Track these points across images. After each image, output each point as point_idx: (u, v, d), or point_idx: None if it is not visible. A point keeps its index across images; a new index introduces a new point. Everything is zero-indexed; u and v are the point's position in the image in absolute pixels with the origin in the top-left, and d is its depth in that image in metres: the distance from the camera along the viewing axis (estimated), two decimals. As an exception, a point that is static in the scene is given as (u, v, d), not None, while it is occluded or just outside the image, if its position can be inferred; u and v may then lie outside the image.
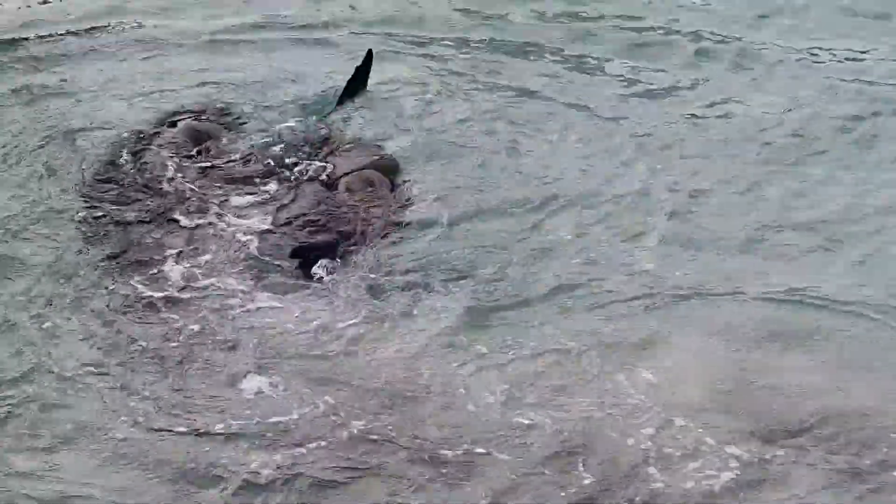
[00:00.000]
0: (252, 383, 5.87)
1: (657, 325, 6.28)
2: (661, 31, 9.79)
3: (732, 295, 6.50)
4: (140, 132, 7.97)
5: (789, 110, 8.54)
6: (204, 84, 8.72)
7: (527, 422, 5.65)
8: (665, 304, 6.44)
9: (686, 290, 6.55)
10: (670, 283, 6.58)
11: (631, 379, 5.88)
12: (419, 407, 5.75)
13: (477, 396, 5.80)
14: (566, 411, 5.70)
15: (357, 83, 8.45)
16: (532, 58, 9.32)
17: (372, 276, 6.63)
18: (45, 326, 6.17)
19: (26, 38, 9.50)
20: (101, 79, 8.87)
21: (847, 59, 9.39)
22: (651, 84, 8.96)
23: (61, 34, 9.58)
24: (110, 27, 9.77)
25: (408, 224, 7.10)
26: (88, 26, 9.75)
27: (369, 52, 8.60)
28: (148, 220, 7.04)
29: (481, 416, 5.70)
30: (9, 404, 5.66)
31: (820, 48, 9.54)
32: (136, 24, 9.80)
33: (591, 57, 9.34)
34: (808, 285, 6.57)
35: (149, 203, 7.18)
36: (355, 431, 5.58)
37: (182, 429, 5.60)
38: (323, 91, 8.61)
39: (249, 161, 7.64)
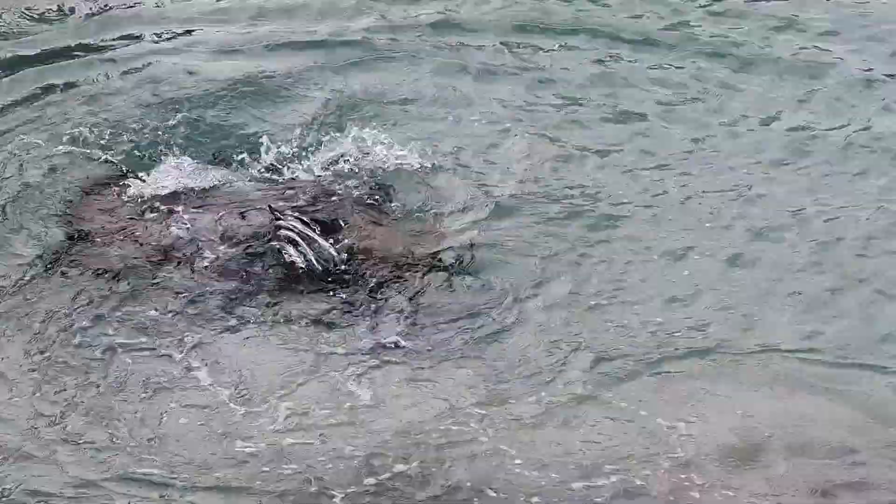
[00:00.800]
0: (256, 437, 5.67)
1: (688, 381, 6.07)
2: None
3: (765, 351, 6.28)
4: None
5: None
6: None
7: (567, 482, 5.48)
8: (694, 359, 6.20)
9: (717, 344, 6.32)
10: (699, 338, 6.35)
11: (669, 438, 5.73)
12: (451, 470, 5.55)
13: (515, 455, 5.60)
14: (609, 474, 5.53)
15: None
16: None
17: (368, 321, 6.41)
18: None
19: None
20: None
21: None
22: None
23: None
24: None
25: (415, 263, 6.81)
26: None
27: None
28: (130, 265, 6.71)
29: (526, 476, 5.51)
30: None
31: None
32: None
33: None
34: (845, 341, 6.34)
35: (129, 247, 6.86)
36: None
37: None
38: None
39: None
